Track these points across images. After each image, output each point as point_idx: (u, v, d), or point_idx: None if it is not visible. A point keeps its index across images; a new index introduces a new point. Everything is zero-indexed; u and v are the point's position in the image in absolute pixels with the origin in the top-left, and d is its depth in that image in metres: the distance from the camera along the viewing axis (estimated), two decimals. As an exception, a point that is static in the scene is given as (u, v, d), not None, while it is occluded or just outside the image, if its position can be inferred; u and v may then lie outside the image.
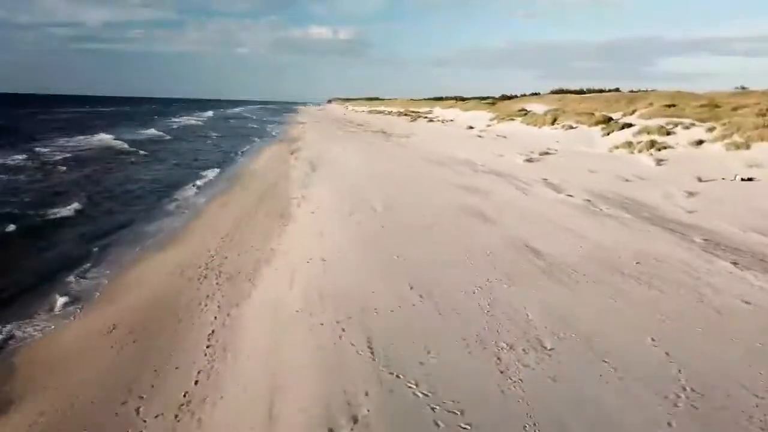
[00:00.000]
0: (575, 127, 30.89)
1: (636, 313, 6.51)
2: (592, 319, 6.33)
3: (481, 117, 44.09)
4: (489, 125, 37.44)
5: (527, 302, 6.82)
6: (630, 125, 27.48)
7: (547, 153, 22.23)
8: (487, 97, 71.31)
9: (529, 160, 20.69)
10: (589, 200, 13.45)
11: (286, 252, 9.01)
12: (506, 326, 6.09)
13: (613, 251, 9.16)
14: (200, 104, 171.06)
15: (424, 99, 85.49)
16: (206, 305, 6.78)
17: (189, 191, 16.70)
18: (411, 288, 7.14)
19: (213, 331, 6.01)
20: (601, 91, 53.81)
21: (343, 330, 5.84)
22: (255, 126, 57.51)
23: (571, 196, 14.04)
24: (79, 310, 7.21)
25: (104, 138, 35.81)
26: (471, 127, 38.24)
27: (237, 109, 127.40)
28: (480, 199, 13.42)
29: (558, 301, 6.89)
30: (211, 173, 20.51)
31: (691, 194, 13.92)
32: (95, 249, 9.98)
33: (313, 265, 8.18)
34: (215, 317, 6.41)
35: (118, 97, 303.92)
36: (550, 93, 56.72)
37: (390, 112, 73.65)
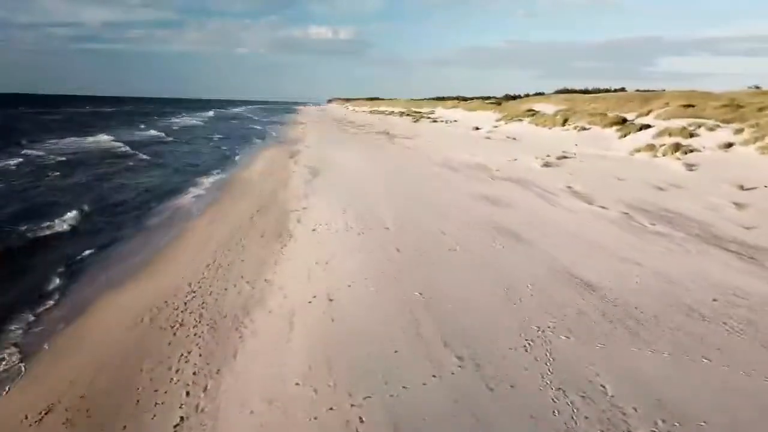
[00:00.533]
0: (588, 129, 29.22)
1: (748, 383, 4.83)
2: (693, 393, 4.65)
3: (486, 117, 42.39)
4: (496, 126, 35.73)
5: (598, 365, 5.14)
6: (648, 126, 25.82)
7: (564, 157, 20.54)
8: (490, 97, 69.65)
9: (547, 165, 19.00)
10: (626, 213, 11.77)
11: (284, 286, 7.32)
12: (583, 410, 4.41)
13: (679, 283, 7.48)
14: (200, 104, 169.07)
15: (426, 99, 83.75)
16: (177, 372, 5.09)
17: (182, 201, 15.01)
18: (445, 345, 5.46)
19: (182, 420, 4.33)
20: (607, 90, 52.18)
21: (362, 421, 4.16)
22: (254, 127, 55.75)
23: (604, 207, 12.36)
24: (18, 376, 5.53)
25: (103, 139, 34.33)
26: (477, 128, 36.53)
27: (237, 110, 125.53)
28: (504, 212, 11.74)
29: (636, 363, 5.22)
30: (207, 180, 18.82)
31: (739, 206, 12.23)
32: (63, 280, 8.24)
33: (316, 306, 6.49)
34: (187, 392, 4.73)
35: (119, 97, 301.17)
36: (555, 93, 55.09)
37: (391, 113, 71.83)
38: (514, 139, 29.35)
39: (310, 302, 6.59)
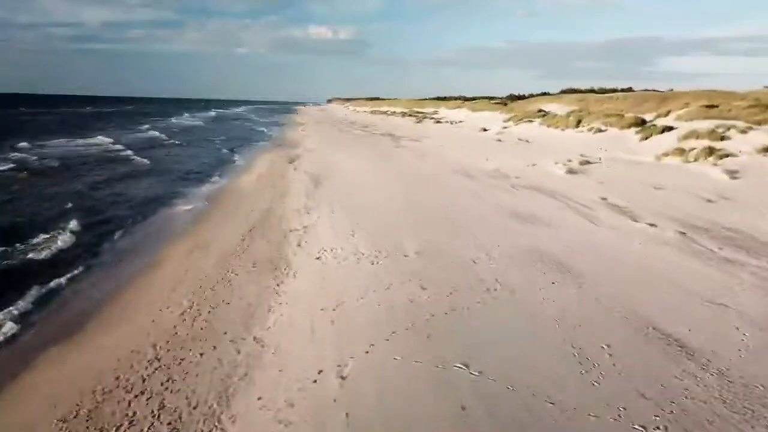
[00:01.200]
0: (604, 130, 27.34)
1: None
2: None
3: (493, 118, 40.50)
4: (505, 127, 33.82)
5: None
6: (670, 128, 23.93)
7: (587, 162, 18.63)
8: (493, 97, 67.64)
9: (572, 172, 17.10)
10: (683, 233, 9.88)
11: (279, 348, 5.43)
12: None
13: (799, 341, 5.61)
14: (200, 105, 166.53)
15: (428, 99, 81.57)
16: None
17: (171, 216, 13.21)
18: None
19: None
20: (614, 90, 50.22)
21: None
22: (254, 128, 53.76)
23: (653, 225, 10.47)
24: None
25: (101, 141, 32.80)
26: (485, 129, 34.63)
27: (237, 110, 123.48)
28: (540, 233, 9.84)
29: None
30: (201, 189, 17.01)
31: (813, 224, 10.37)
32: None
33: (323, 388, 4.60)
34: None
35: (119, 97, 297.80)
36: (561, 92, 53.14)
37: (393, 113, 69.85)
38: (527, 141, 27.44)
39: (315, 381, 4.70)
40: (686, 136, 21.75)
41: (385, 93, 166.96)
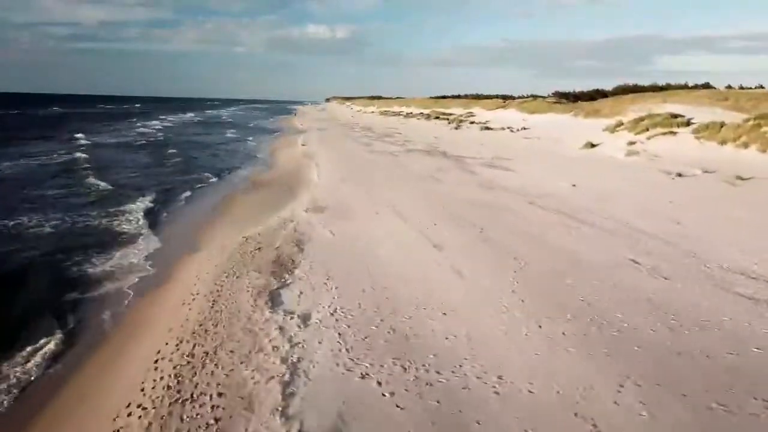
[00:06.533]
0: None
1: None
2: None
3: (575, 125, 26.74)
4: (632, 142, 20.08)
5: None
6: None
7: None
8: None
9: None
10: None
11: None
12: None
13: None
14: (193, 104, 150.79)
15: (452, 97, 66.85)
16: None
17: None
18: None
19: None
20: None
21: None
22: (236, 139, 39.48)
23: None
24: None
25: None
26: (593, 145, 20.92)
27: (231, 109, 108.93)
28: None
29: None
30: None
31: None
32: None
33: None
34: None
35: (117, 97, 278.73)
36: (616, 88, 39.41)
37: (409, 114, 55.65)
38: (741, 178, 13.65)
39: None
40: None
41: (383, 91, 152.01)
